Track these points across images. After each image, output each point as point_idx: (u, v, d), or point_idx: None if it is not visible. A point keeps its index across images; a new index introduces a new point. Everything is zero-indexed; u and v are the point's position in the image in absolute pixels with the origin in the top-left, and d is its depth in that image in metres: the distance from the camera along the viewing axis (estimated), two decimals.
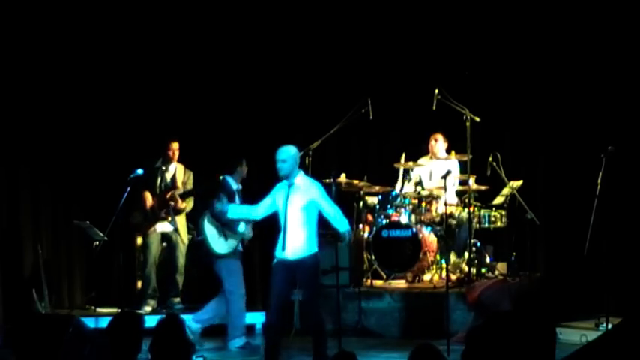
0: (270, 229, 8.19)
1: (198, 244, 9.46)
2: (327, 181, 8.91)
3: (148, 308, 10.00)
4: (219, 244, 9.00)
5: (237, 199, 9.00)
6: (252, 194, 8.60)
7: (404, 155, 10.26)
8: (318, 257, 7.79)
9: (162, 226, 10.21)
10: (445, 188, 9.18)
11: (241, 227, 8.91)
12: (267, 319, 8.01)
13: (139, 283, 10.38)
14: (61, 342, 5.37)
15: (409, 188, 10.33)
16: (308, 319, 7.91)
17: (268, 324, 7.97)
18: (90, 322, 8.77)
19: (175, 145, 10.21)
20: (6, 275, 9.73)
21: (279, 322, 7.83)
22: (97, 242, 10.00)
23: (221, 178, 9.07)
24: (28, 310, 9.61)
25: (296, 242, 7.69)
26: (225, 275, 9.02)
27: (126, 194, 9.36)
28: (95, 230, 10.14)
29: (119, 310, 9.03)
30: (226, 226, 8.94)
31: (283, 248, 7.71)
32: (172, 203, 10.13)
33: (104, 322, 7.47)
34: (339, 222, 7.80)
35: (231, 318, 9.05)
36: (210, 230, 9.00)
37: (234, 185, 9.06)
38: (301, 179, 7.82)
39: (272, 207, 7.90)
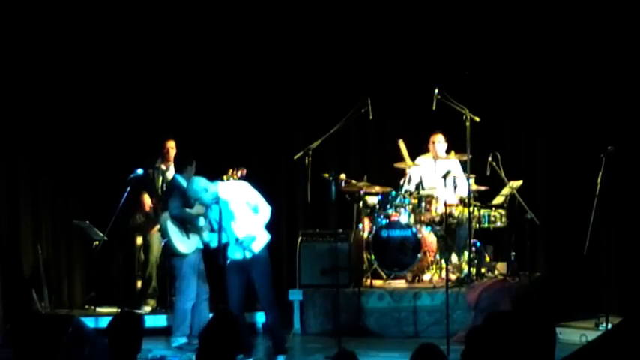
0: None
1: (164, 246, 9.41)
2: (326, 176, 8.91)
3: (147, 308, 9.99)
4: (183, 243, 8.91)
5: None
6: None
7: (402, 143, 10.23)
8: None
9: None
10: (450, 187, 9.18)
11: (201, 221, 8.72)
12: None
13: (139, 283, 10.37)
14: (60, 342, 5.38)
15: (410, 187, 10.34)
16: (266, 316, 8.01)
17: None
18: (90, 322, 8.75)
19: (171, 144, 10.06)
20: (6, 275, 9.72)
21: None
22: (97, 242, 10.00)
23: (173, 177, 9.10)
24: (28, 310, 9.62)
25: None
26: (182, 275, 8.89)
27: (126, 194, 9.37)
28: (95, 230, 10.14)
29: (119, 310, 9.03)
30: (187, 223, 8.88)
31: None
32: None
33: (104, 322, 7.47)
34: None
35: (175, 317, 8.97)
36: (173, 230, 8.91)
37: (184, 183, 8.95)
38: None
39: None
